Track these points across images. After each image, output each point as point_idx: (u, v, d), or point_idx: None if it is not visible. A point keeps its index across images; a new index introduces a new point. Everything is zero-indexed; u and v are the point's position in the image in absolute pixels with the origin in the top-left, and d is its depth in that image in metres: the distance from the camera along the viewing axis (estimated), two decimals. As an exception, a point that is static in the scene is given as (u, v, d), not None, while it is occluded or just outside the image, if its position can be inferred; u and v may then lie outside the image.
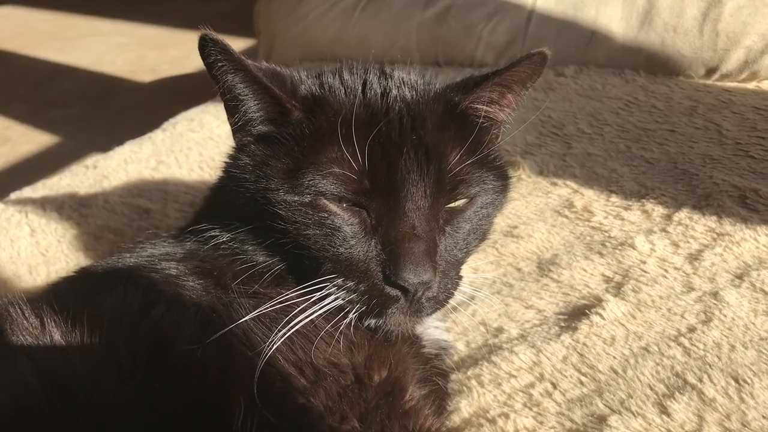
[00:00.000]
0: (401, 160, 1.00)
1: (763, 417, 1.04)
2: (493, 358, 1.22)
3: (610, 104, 2.06)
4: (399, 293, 0.98)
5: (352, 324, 1.00)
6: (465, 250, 1.10)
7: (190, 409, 0.86)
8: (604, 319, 1.26)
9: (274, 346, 0.91)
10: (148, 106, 3.87)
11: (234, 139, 1.12)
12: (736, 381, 1.10)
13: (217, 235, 1.09)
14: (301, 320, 0.95)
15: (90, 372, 0.88)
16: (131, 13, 5.59)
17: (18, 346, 0.89)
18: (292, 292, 0.99)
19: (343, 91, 1.08)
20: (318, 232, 1.00)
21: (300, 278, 1.03)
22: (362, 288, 0.99)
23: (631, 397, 1.10)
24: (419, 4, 2.66)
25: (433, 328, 1.20)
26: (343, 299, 1.00)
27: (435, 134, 1.05)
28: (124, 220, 1.76)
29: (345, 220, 1.00)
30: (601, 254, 1.43)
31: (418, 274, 0.96)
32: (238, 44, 4.56)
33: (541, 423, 1.09)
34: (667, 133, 1.86)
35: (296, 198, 1.00)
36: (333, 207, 1.00)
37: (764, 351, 1.15)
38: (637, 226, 1.51)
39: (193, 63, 4.48)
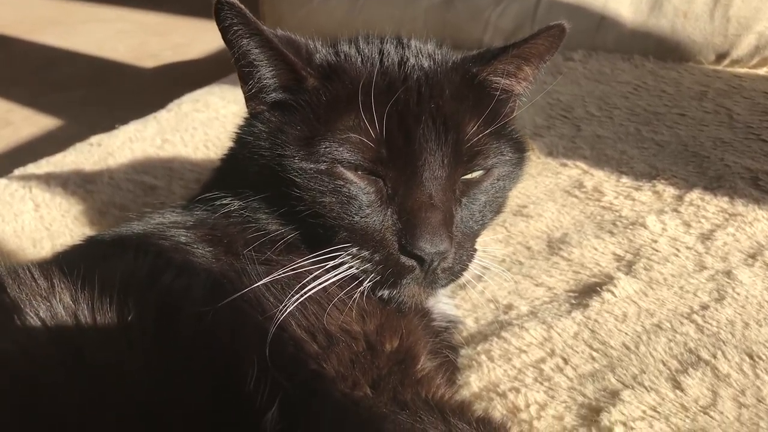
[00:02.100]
0: (419, 129, 0.98)
1: (779, 393, 1.03)
2: (503, 333, 1.20)
3: (619, 88, 2.04)
4: (415, 263, 0.97)
5: (365, 293, 0.98)
6: (480, 222, 1.09)
7: (201, 373, 0.85)
8: (615, 296, 1.24)
9: (287, 311, 0.89)
10: (150, 90, 3.84)
11: (247, 106, 1.10)
12: (751, 357, 1.09)
13: (228, 203, 1.07)
14: (314, 287, 0.93)
15: (99, 334, 0.86)
16: (132, 0, 5.57)
17: (27, 307, 0.87)
18: (305, 260, 0.97)
19: (360, 59, 1.07)
20: (333, 200, 0.98)
21: (313, 246, 1.01)
22: (377, 257, 0.98)
23: (644, 373, 1.09)
24: (426, -11, 2.65)
25: (442, 303, 1.19)
26: (357, 268, 0.98)
27: (453, 104, 1.03)
28: (130, 196, 1.75)
29: (361, 188, 0.98)
30: (611, 233, 1.42)
31: (435, 243, 0.95)
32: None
33: (553, 397, 1.08)
34: (677, 116, 1.85)
35: (312, 165, 0.98)
36: (349, 175, 0.98)
37: (778, 329, 1.14)
38: (648, 206, 1.49)
39: (196, 49, 4.46)
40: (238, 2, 0.98)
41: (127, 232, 1.09)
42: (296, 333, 0.89)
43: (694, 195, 1.49)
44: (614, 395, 1.05)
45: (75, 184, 1.81)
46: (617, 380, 1.08)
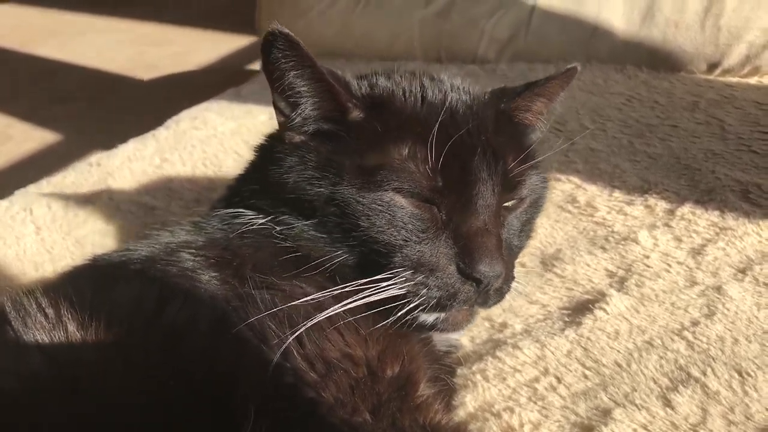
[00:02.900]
0: (474, 160, 1.05)
1: (767, 409, 1.05)
2: (498, 353, 1.22)
3: (613, 100, 2.06)
4: (471, 286, 1.02)
5: (370, 319, 1.00)
6: (519, 246, 1.16)
7: (201, 407, 0.87)
8: (607, 313, 1.27)
9: (289, 340, 0.92)
10: (149, 103, 3.86)
11: (285, 135, 1.12)
12: (740, 374, 1.11)
13: (249, 221, 1.09)
14: (327, 314, 0.96)
15: (102, 367, 0.88)
16: (129, 10, 5.57)
17: (31, 339, 0.89)
18: (349, 285, 0.99)
19: (402, 92, 1.12)
20: (390, 226, 1.02)
21: (358, 272, 1.03)
22: (432, 281, 1.01)
23: (636, 391, 1.11)
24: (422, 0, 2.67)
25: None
26: (408, 290, 1.01)
27: (496, 137, 1.10)
28: (129, 217, 1.77)
29: (417, 215, 1.03)
30: (604, 249, 1.44)
31: (493, 266, 1.00)
32: (239, 41, 4.57)
33: (546, 417, 1.10)
34: (670, 128, 1.87)
35: (370, 194, 1.02)
36: (405, 202, 1.03)
37: (767, 345, 1.16)
38: (640, 220, 1.52)
39: (194, 59, 4.48)
40: (291, 33, 1.02)
41: (134, 255, 1.10)
42: (296, 362, 0.91)
43: (686, 209, 1.51)
44: (606, 414, 1.07)
45: (75, 205, 1.83)
46: (609, 399, 1.11)
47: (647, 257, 1.40)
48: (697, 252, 1.39)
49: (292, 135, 1.11)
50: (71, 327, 0.92)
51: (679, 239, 1.44)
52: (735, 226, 1.44)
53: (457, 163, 1.03)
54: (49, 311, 0.94)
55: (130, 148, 2.17)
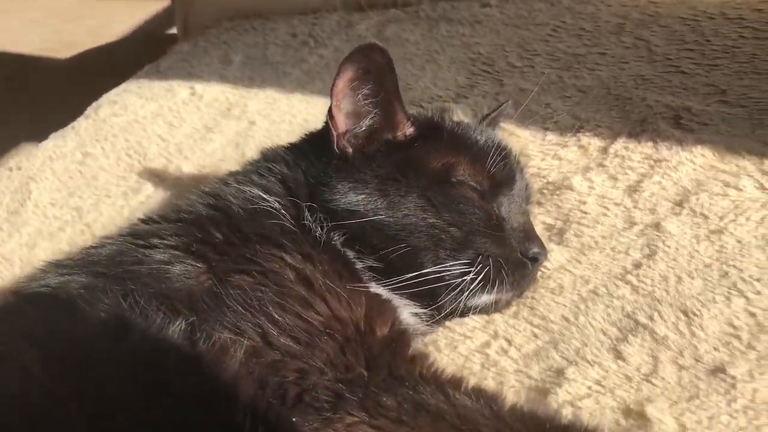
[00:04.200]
0: (520, 176, 1.27)
1: (714, 349, 1.05)
2: (447, 322, 1.21)
3: (538, 32, 2.02)
4: (529, 263, 1.17)
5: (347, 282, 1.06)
6: None
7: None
8: (548, 268, 1.26)
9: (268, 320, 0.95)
10: (71, 83, 3.71)
11: (343, 141, 1.21)
12: (686, 314, 1.11)
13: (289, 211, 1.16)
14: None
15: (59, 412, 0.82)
16: (39, -15, 5.32)
17: None
18: (428, 270, 1.12)
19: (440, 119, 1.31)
20: (471, 213, 1.16)
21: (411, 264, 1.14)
22: (501, 258, 1.14)
23: (586, 345, 1.10)
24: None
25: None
26: (483, 266, 1.13)
27: None
28: (57, 224, 1.70)
29: (485, 207, 1.18)
30: (539, 203, 1.42)
31: (543, 248, 1.19)
32: (154, 5, 4.37)
33: (501, 383, 1.09)
34: (598, 56, 1.84)
35: (452, 189, 1.17)
36: (475, 197, 1.18)
37: (709, 279, 1.16)
38: (575, 164, 1.49)
39: (111, 31, 4.31)
40: (386, 49, 1.15)
41: (97, 254, 1.07)
42: (279, 341, 0.93)
43: (619, 145, 1.49)
44: (559, 374, 1.07)
45: (-1, 218, 1.76)
46: (561, 357, 1.10)
47: (584, 203, 1.38)
48: (633, 189, 1.38)
49: (360, 141, 1.21)
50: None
51: (614, 178, 1.42)
52: (669, 156, 1.42)
53: (503, 173, 1.22)
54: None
55: (50, 146, 2.07)
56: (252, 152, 1.84)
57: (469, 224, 1.15)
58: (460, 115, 1.73)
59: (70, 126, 2.18)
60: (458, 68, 1.92)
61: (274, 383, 0.91)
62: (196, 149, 1.90)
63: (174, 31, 3.60)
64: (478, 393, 0.91)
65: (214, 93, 2.18)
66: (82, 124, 2.17)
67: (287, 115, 1.99)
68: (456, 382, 0.96)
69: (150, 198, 1.73)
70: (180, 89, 2.22)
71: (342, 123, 1.21)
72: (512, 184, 1.24)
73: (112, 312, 0.93)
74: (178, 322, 0.92)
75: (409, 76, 1.98)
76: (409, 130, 1.23)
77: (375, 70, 1.16)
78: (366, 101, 1.20)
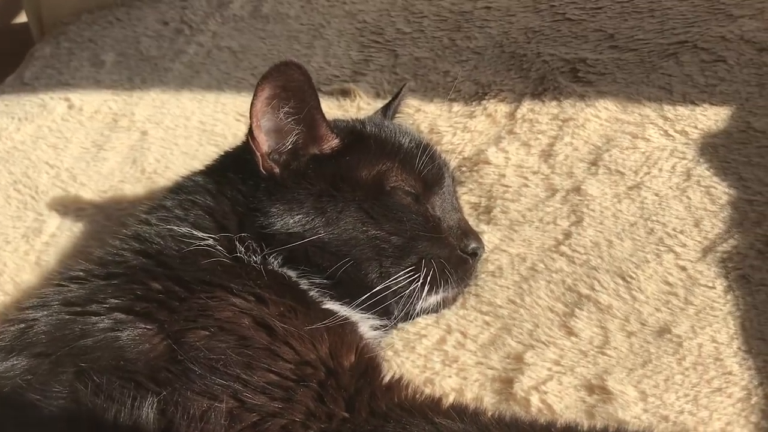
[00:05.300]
0: (447, 172, 1.28)
1: (657, 310, 1.11)
2: (398, 324, 1.22)
3: (419, -9, 1.99)
4: (469, 258, 1.21)
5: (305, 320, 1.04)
6: None
7: None
8: (485, 251, 1.28)
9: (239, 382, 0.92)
10: None
11: (268, 162, 1.18)
12: (623, 279, 1.16)
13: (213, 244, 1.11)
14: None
15: None
16: None
17: None
18: (378, 287, 1.13)
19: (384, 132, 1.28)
20: (404, 221, 1.17)
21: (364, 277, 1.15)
22: (442, 259, 1.17)
23: (538, 327, 1.14)
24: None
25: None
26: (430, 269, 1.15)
27: None
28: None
29: (421, 210, 1.20)
30: (461, 182, 1.44)
31: (480, 241, 1.23)
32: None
33: (465, 378, 1.12)
34: (484, 11, 1.83)
35: (386, 198, 1.18)
36: (411, 201, 1.20)
37: (637, 238, 1.21)
38: (486, 135, 1.51)
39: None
40: (304, 66, 1.14)
41: (34, 333, 0.98)
42: (254, 401, 0.91)
43: (525, 108, 1.52)
44: (519, 360, 1.11)
45: None
46: (516, 342, 1.13)
47: (503, 176, 1.41)
48: (547, 154, 1.41)
49: (289, 159, 1.19)
50: None
51: (527, 145, 1.45)
52: (574, 113, 1.46)
53: (433, 175, 1.24)
54: None
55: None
56: (152, 167, 1.77)
57: (410, 230, 1.17)
58: (363, 96, 1.71)
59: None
60: (348, 42, 1.88)
61: None
62: (90, 172, 1.78)
63: (21, 18, 3.31)
64: (460, 411, 0.92)
65: (94, 103, 2.03)
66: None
67: (180, 118, 1.90)
68: (435, 405, 0.96)
69: (55, 237, 1.62)
70: (54, 103, 2.06)
71: (264, 143, 1.18)
72: (442, 182, 1.25)
73: (72, 405, 0.87)
74: (148, 401, 0.87)
75: (300, 57, 1.92)
76: (335, 142, 1.22)
77: (294, 87, 1.14)
78: (288, 119, 1.18)
